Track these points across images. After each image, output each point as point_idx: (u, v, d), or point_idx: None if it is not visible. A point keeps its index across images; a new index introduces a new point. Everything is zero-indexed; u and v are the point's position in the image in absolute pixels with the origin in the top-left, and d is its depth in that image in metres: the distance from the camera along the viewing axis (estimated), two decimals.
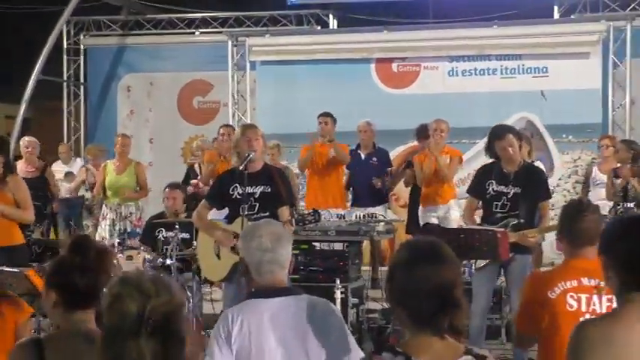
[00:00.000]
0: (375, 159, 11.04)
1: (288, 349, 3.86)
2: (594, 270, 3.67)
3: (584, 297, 4.23)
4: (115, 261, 8.65)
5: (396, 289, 2.94)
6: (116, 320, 2.60)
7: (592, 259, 3.80)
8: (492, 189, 7.39)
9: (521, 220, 7.26)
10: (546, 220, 7.42)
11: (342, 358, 3.86)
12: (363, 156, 11.04)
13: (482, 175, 7.60)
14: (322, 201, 10.41)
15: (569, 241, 4.42)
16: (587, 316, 4.03)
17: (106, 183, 11.14)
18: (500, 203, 7.34)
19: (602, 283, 3.86)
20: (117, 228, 10.78)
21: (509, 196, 7.32)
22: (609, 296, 3.90)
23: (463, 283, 2.98)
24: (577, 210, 4.46)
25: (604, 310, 4.08)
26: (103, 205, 11.26)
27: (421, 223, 10.05)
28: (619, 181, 9.91)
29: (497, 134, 7.46)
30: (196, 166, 11.76)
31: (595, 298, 4.20)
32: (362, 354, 3.85)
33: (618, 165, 10.11)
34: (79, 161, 13.55)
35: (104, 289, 2.92)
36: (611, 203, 9.99)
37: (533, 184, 7.39)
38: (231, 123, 13.90)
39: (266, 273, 3.93)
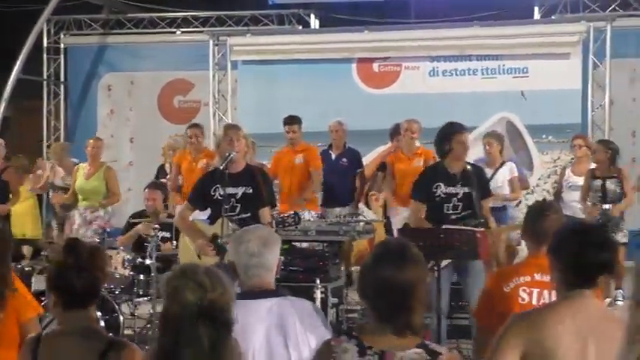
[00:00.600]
0: (344, 159, 11.00)
1: (272, 349, 3.92)
2: (548, 266, 3.93)
3: (535, 291, 4.52)
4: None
5: (362, 287, 3.24)
6: (176, 309, 2.93)
7: None
8: (442, 191, 7.39)
9: (481, 220, 7.33)
10: (490, 218, 7.60)
11: None
12: (333, 156, 11.01)
13: (428, 178, 7.57)
14: (293, 206, 10.35)
15: (531, 239, 4.71)
16: None
17: (76, 187, 11.03)
18: (451, 205, 7.37)
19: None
20: (81, 233, 10.65)
21: (459, 197, 7.37)
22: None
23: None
24: (540, 210, 4.75)
25: None
26: (74, 209, 11.15)
27: (393, 224, 10.01)
28: (596, 182, 9.94)
29: (459, 127, 7.50)
30: (167, 165, 11.70)
31: (546, 292, 4.46)
32: None
33: (595, 165, 10.14)
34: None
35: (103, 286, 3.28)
36: (589, 204, 10.03)
37: (480, 183, 7.49)
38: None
39: (253, 276, 4.03)
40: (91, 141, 11.34)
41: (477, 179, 7.51)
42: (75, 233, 10.69)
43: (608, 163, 9.94)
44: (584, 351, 3.33)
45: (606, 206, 9.82)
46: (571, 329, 3.36)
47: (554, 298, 4.07)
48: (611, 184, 9.86)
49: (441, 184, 7.39)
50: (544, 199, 8.16)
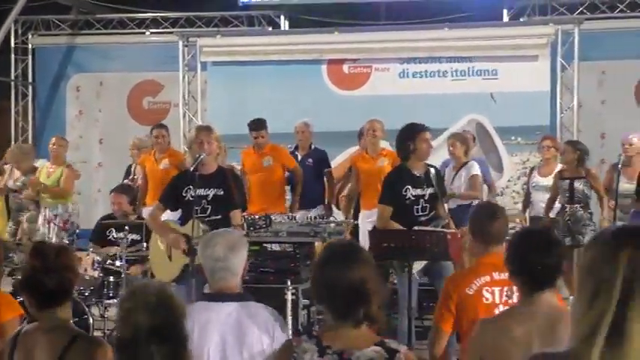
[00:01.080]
0: (310, 160, 10.98)
1: (226, 352, 4.03)
2: (503, 265, 4.15)
3: (497, 290, 4.60)
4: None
5: (315, 287, 3.40)
6: (129, 332, 2.99)
7: (500, 255, 4.45)
8: (411, 194, 7.43)
9: (446, 220, 7.48)
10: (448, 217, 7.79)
11: None
12: (299, 157, 11.00)
13: (395, 182, 7.57)
14: (263, 208, 10.32)
15: (481, 241, 4.79)
16: (501, 307, 4.49)
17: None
18: (419, 207, 7.43)
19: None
20: (42, 231, 10.61)
21: (425, 198, 7.45)
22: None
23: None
24: (489, 213, 4.84)
25: (515, 300, 4.35)
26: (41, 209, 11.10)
27: (360, 227, 9.99)
28: (564, 182, 9.99)
29: (420, 128, 7.55)
30: (133, 166, 11.65)
31: (507, 289, 4.54)
32: None
33: (564, 166, 10.20)
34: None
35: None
36: (558, 205, 10.09)
37: (439, 183, 7.60)
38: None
39: (219, 280, 4.17)
40: (54, 139, 11.31)
41: (438, 179, 7.62)
42: (34, 232, 10.69)
43: (576, 164, 9.99)
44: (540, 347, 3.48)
45: (576, 206, 9.88)
46: (528, 332, 3.61)
47: (516, 293, 4.22)
48: (579, 185, 9.91)
49: (409, 186, 7.43)
50: (489, 202, 8.35)
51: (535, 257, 3.69)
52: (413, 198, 7.43)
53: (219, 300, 4.13)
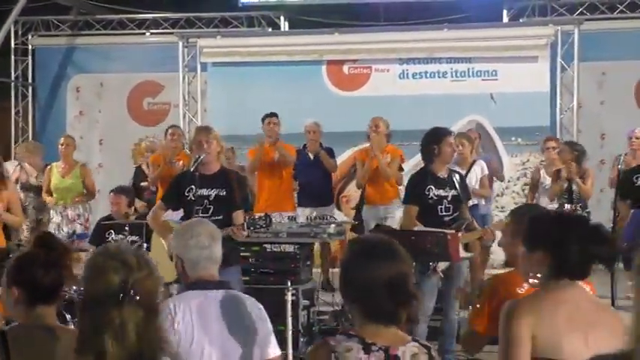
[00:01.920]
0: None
1: (225, 338, 4.09)
2: None
3: None
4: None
5: (351, 285, 3.19)
6: (100, 290, 2.77)
7: None
8: (433, 194, 7.50)
9: (469, 220, 7.54)
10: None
11: (264, 351, 4.15)
12: (311, 157, 11.03)
13: (419, 182, 7.64)
14: (271, 203, 10.40)
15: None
16: None
17: (51, 186, 10.99)
18: (443, 207, 7.50)
19: None
20: (65, 231, 10.64)
21: (448, 199, 7.52)
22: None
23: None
24: (523, 214, 4.51)
25: None
26: (51, 209, 11.11)
27: (365, 222, 10.08)
28: (563, 182, 10.02)
29: (446, 132, 7.65)
30: (144, 166, 11.65)
31: None
32: (279, 352, 4.24)
33: (561, 166, 10.22)
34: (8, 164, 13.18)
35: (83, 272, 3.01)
36: (556, 205, 10.11)
37: (461, 186, 7.67)
38: (181, 124, 13.85)
39: (202, 269, 4.21)
40: (63, 139, 11.31)
41: (460, 182, 7.68)
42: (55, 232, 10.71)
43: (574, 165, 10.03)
44: (585, 340, 3.29)
45: (573, 206, 9.90)
46: (570, 319, 3.33)
47: None
48: (575, 186, 9.94)
49: (431, 186, 7.51)
50: (529, 203, 8.26)
51: (594, 247, 3.36)
52: (436, 198, 7.50)
53: (207, 288, 4.17)
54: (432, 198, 7.50)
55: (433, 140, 7.59)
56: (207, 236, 4.22)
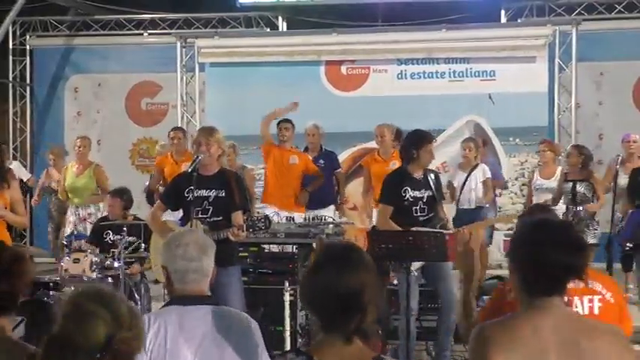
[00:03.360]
0: (322, 161, 11.02)
1: (203, 357, 3.86)
2: None
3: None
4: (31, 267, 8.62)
5: (304, 294, 3.02)
6: (80, 337, 2.51)
7: None
8: (410, 195, 7.51)
9: (444, 221, 7.60)
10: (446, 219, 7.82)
11: None
12: (310, 159, 11.03)
13: (395, 182, 7.64)
14: (278, 201, 10.41)
15: None
16: None
17: (66, 185, 11.12)
18: (418, 207, 7.51)
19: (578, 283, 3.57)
20: (78, 229, 10.72)
21: (424, 200, 7.53)
22: (589, 297, 3.94)
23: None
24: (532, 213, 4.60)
25: (586, 312, 3.99)
26: (68, 209, 11.22)
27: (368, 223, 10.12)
28: (568, 184, 10.11)
29: (427, 138, 7.63)
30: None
31: (575, 299, 3.99)
32: None
33: (568, 169, 10.32)
34: (15, 164, 13.26)
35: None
36: (563, 207, 10.19)
37: (437, 187, 7.67)
38: (179, 125, 13.85)
39: (191, 282, 3.94)
40: (79, 140, 11.45)
41: (435, 183, 7.67)
42: (70, 232, 10.78)
43: (580, 167, 10.12)
44: None
45: (578, 208, 10.00)
46: (540, 343, 2.93)
47: (586, 303, 4.00)
48: (580, 187, 10.05)
49: (407, 187, 7.52)
50: (538, 203, 8.25)
51: (556, 254, 2.95)
52: (411, 199, 7.51)
53: (192, 303, 3.92)
54: (407, 199, 7.50)
55: (413, 144, 7.58)
56: (196, 248, 3.94)
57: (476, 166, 10.48)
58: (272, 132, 10.73)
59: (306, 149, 11.14)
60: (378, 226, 7.71)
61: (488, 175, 10.50)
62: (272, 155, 10.67)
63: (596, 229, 10.01)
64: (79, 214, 11.03)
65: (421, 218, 7.49)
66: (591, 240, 9.86)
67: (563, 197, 10.23)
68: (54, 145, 13.01)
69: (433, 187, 7.59)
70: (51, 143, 13.32)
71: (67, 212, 11.25)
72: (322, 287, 2.90)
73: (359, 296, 2.87)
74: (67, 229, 11.04)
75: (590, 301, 3.99)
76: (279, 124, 10.74)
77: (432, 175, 7.72)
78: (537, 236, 3.01)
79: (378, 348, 3.00)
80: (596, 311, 4.00)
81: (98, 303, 2.56)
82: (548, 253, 2.94)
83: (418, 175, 7.58)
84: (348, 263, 2.93)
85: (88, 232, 10.14)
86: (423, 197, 7.53)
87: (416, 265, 7.27)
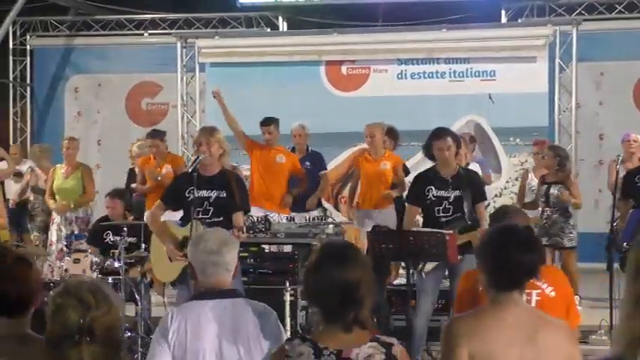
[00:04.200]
0: (308, 163, 10.92)
1: (223, 350, 3.96)
2: None
3: None
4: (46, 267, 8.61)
5: (306, 289, 3.38)
6: (58, 329, 2.82)
7: None
8: (432, 195, 7.47)
9: (469, 222, 7.39)
10: (484, 221, 7.51)
11: None
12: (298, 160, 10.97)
13: (421, 182, 7.65)
14: (264, 201, 10.28)
15: None
16: None
17: (54, 187, 11.00)
18: (442, 207, 7.45)
19: None
20: (63, 233, 10.65)
21: (450, 200, 7.44)
22: (528, 290, 4.01)
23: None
24: (503, 215, 4.85)
25: (532, 304, 4.33)
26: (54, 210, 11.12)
27: (363, 225, 10.01)
28: (543, 187, 10.07)
29: (437, 134, 7.57)
30: (137, 169, 11.64)
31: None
32: None
33: (545, 171, 10.28)
34: (29, 162, 13.26)
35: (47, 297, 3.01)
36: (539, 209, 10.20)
37: (471, 187, 7.53)
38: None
39: (211, 275, 4.05)
40: (66, 141, 11.30)
41: (470, 183, 7.55)
42: (56, 234, 10.71)
43: (556, 169, 10.04)
44: (522, 356, 3.32)
45: (548, 211, 9.94)
46: (504, 334, 3.34)
47: (524, 296, 4.03)
48: (554, 190, 9.94)
49: (432, 187, 7.48)
50: (507, 205, 8.21)
51: (515, 255, 3.41)
52: (434, 199, 7.46)
53: (212, 297, 4.03)
54: (430, 198, 7.46)
55: (426, 144, 7.61)
56: (217, 241, 4.07)
57: (467, 165, 10.24)
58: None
59: (293, 150, 11.04)
60: (405, 225, 7.73)
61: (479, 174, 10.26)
62: (255, 154, 10.56)
63: (571, 233, 9.92)
64: (65, 217, 10.90)
65: (443, 219, 7.41)
66: (568, 244, 9.84)
67: (539, 200, 10.16)
68: (34, 145, 12.87)
69: (466, 187, 7.46)
70: (39, 145, 13.20)
71: (53, 214, 11.04)
72: (323, 282, 3.25)
73: (356, 290, 3.22)
74: (52, 230, 10.94)
75: (529, 294, 4.21)
76: (261, 125, 10.63)
77: (467, 175, 7.65)
78: (502, 239, 3.48)
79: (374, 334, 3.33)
80: (532, 304, 4.35)
81: (65, 295, 2.86)
82: (510, 254, 3.41)
83: (447, 173, 7.50)
84: (346, 260, 3.28)
85: (75, 233, 10.11)
86: (449, 197, 7.43)
87: (428, 267, 7.28)
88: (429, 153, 7.58)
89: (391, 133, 10.47)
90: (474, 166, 10.24)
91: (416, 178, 7.86)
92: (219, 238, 4.12)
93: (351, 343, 3.23)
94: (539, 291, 4.40)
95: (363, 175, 10.36)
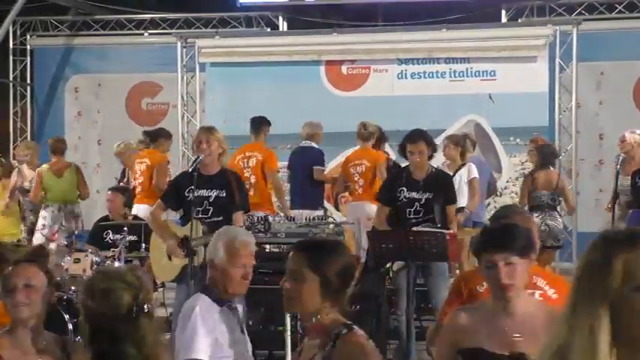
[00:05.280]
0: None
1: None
2: None
3: None
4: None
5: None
6: (111, 310, 3.13)
7: None
8: (404, 196, 7.48)
9: (438, 225, 7.35)
10: (454, 224, 7.64)
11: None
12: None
13: (393, 182, 7.69)
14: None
15: None
16: None
17: (45, 186, 11.00)
18: (413, 209, 7.45)
19: None
20: (46, 232, 10.67)
21: (421, 202, 7.45)
22: (530, 291, 4.07)
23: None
24: (504, 214, 4.74)
25: None
26: (41, 209, 11.12)
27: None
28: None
29: (411, 137, 7.59)
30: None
31: None
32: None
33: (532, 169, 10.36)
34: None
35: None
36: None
37: (442, 190, 7.53)
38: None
39: None
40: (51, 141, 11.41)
41: (441, 186, 7.56)
42: (42, 231, 10.73)
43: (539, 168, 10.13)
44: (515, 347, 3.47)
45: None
46: (497, 328, 3.52)
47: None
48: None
49: (404, 188, 7.48)
50: (510, 204, 8.18)
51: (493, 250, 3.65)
52: (406, 200, 7.46)
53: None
54: (402, 200, 7.48)
55: (400, 146, 7.66)
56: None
57: (462, 165, 10.19)
58: None
59: None
60: (375, 225, 7.74)
61: (474, 175, 10.09)
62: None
63: (558, 234, 9.97)
64: (57, 216, 10.92)
65: (414, 220, 7.41)
66: (553, 243, 9.85)
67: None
68: (21, 143, 12.86)
69: (437, 189, 7.46)
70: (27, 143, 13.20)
71: (40, 212, 11.10)
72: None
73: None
74: (40, 229, 10.96)
75: (531, 294, 4.14)
76: None
77: (439, 177, 7.65)
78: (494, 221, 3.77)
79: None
80: None
81: (109, 279, 3.21)
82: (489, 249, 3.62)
83: (419, 175, 7.52)
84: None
85: (75, 233, 10.15)
86: (420, 199, 7.44)
87: (396, 266, 7.28)
88: (403, 154, 7.60)
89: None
90: (468, 167, 10.17)
91: (387, 178, 7.90)
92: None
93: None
94: (541, 292, 4.33)
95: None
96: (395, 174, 7.87)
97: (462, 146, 10.27)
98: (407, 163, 7.77)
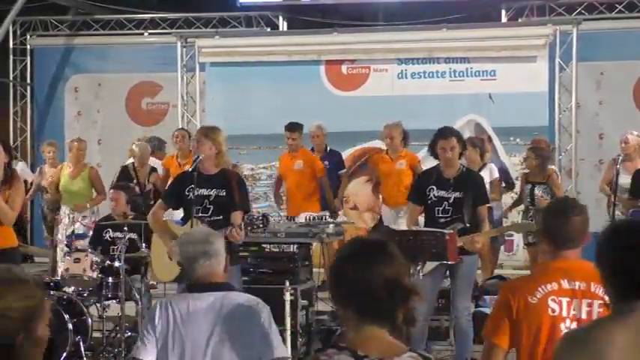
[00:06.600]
0: (326, 162, 11.05)
1: (210, 342, 4.07)
2: (574, 271, 3.85)
3: (564, 300, 3.90)
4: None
5: (345, 286, 2.88)
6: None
7: (572, 260, 3.95)
8: (433, 194, 7.42)
9: (467, 225, 7.30)
10: (486, 224, 7.50)
11: (265, 354, 4.12)
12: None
13: (423, 181, 7.65)
14: (297, 206, 10.61)
15: (551, 242, 4.07)
16: (568, 322, 3.85)
17: (60, 186, 11.08)
18: (442, 208, 7.38)
19: (580, 285, 3.90)
20: (67, 232, 10.73)
21: (450, 201, 7.37)
22: (589, 301, 3.83)
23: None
24: (562, 210, 4.15)
25: (584, 316, 3.87)
26: (61, 208, 11.19)
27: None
28: (527, 187, 10.15)
29: (442, 133, 7.52)
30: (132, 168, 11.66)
31: (576, 302, 3.90)
32: (287, 353, 4.25)
33: (527, 171, 10.40)
34: (21, 164, 13.24)
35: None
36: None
37: (472, 189, 7.44)
38: (180, 124, 13.87)
39: (202, 266, 4.18)
40: (76, 143, 11.44)
41: (471, 185, 7.47)
42: (63, 233, 10.78)
43: (537, 170, 10.18)
44: None
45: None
46: (627, 351, 2.70)
47: (584, 307, 3.86)
48: (538, 190, 10.10)
49: (433, 187, 7.43)
50: (565, 198, 7.80)
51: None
52: (435, 199, 7.41)
53: (202, 290, 4.14)
54: (431, 198, 7.43)
55: (431, 143, 7.54)
56: (203, 233, 4.24)
57: (483, 166, 10.20)
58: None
59: (312, 150, 11.21)
60: (407, 224, 7.79)
61: (496, 175, 10.25)
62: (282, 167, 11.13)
63: None
64: (72, 217, 10.95)
65: (442, 220, 7.34)
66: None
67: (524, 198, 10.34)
68: (49, 141, 12.87)
69: (467, 188, 7.37)
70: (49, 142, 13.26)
71: (60, 211, 11.14)
72: (368, 276, 2.81)
73: (401, 283, 2.81)
74: (60, 230, 10.99)
75: (590, 305, 3.86)
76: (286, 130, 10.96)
77: (470, 176, 7.58)
78: (624, 241, 2.92)
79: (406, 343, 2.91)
80: (594, 316, 3.84)
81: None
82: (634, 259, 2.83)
83: (449, 174, 7.44)
84: (387, 254, 2.88)
85: (75, 233, 10.19)
86: (449, 198, 7.35)
87: (428, 268, 7.24)
88: (433, 151, 7.53)
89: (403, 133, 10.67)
90: (489, 167, 10.24)
91: (419, 177, 7.91)
92: (203, 230, 4.44)
93: (392, 351, 2.80)
94: (600, 302, 3.86)
95: (381, 175, 10.64)
96: (425, 172, 7.82)
97: (480, 147, 10.32)
98: (436, 163, 7.63)
